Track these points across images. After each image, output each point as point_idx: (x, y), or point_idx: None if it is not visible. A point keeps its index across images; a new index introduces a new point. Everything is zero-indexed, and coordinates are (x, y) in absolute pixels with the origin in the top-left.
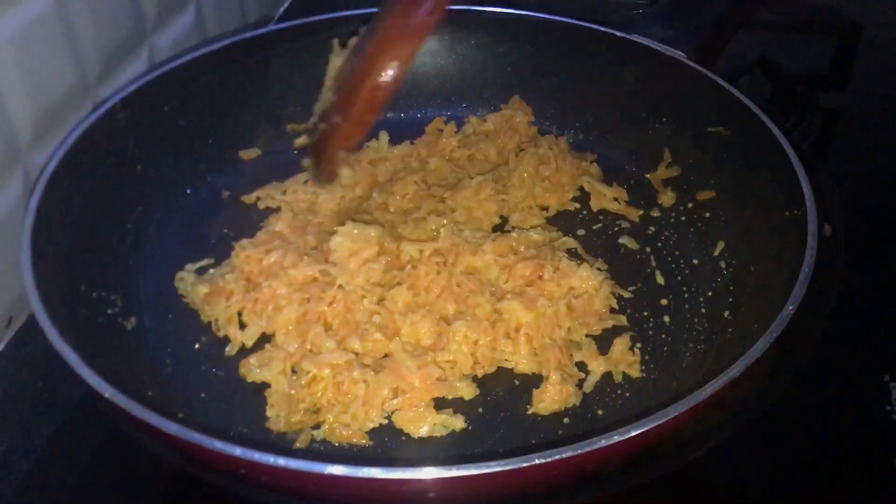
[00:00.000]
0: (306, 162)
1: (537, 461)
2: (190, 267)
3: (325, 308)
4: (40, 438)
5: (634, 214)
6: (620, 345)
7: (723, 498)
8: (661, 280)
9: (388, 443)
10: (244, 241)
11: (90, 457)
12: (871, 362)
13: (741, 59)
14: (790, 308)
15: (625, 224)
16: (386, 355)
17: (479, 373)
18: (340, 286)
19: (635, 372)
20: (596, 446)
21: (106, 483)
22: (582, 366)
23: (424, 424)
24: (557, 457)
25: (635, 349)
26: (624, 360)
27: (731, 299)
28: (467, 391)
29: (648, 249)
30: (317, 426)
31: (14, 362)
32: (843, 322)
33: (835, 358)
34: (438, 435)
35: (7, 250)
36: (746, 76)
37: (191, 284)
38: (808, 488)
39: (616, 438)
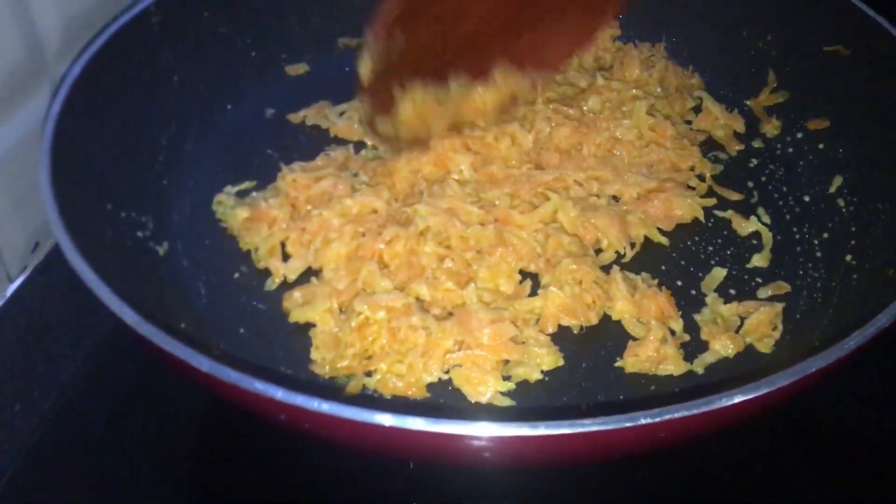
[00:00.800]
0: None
1: (644, 421)
2: (230, 189)
3: (382, 246)
4: (67, 370)
5: (734, 146)
6: (765, 315)
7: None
8: (766, 219)
9: (448, 399)
10: (295, 164)
11: (119, 391)
12: None
13: None
14: None
15: (722, 154)
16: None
17: (575, 326)
18: (401, 224)
19: (766, 348)
20: (714, 406)
21: (135, 419)
22: (701, 344)
23: (486, 389)
24: (668, 417)
25: (778, 324)
26: (759, 333)
27: (853, 242)
28: (549, 359)
29: (750, 184)
30: (369, 374)
31: (40, 290)
32: None
33: None
34: (499, 404)
35: (34, 169)
36: None
37: (230, 208)
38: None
39: (739, 398)
